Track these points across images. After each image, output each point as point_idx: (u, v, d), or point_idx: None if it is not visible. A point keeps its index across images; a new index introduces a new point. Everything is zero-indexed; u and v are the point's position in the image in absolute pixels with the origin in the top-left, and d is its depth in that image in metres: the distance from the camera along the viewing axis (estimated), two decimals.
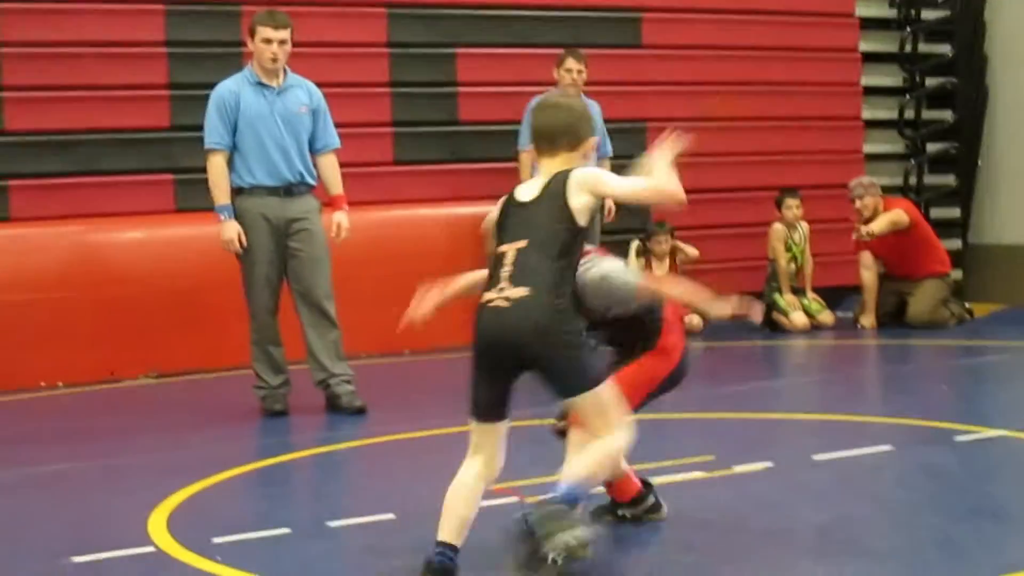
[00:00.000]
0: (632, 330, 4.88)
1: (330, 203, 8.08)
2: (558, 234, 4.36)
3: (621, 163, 10.61)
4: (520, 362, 4.35)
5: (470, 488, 4.43)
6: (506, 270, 4.32)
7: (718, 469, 5.92)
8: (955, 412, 7.59)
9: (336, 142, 8.12)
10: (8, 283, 9.35)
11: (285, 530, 5.21)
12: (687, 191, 13.16)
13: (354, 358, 10.12)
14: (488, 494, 5.62)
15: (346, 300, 10.26)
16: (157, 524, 5.37)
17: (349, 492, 6.24)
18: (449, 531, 4.25)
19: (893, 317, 11.30)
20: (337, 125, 10.69)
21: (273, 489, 6.14)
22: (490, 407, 4.40)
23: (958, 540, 4.79)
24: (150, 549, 5.01)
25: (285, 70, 7.90)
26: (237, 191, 7.79)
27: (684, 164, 12.72)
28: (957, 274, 12.73)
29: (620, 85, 11.61)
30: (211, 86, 8.10)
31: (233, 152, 7.78)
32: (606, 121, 10.51)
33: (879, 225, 10.98)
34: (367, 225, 10.50)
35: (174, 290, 9.72)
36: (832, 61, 13.06)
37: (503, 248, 4.40)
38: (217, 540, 5.06)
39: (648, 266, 11.36)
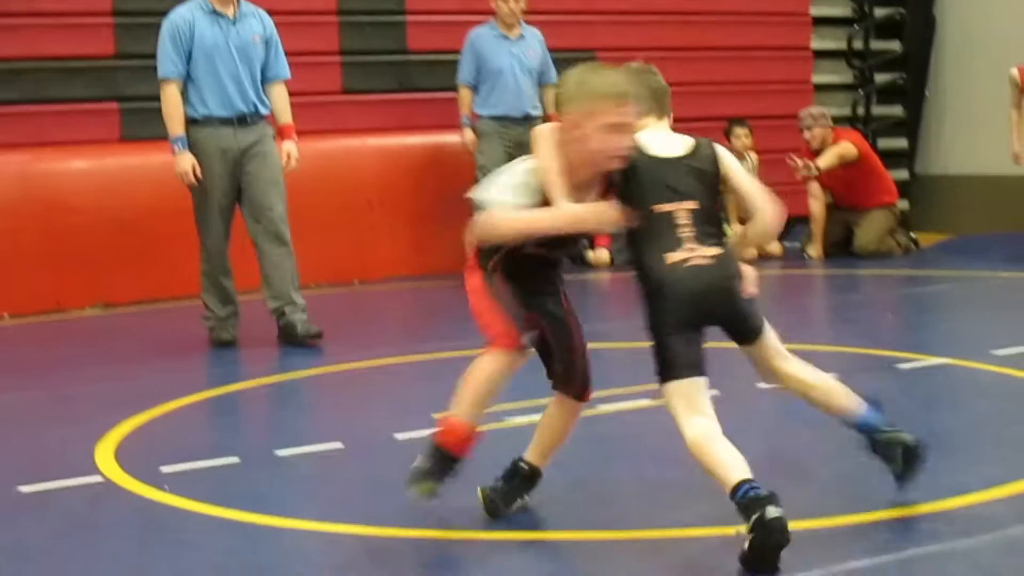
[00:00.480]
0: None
1: (280, 132, 7.95)
2: (715, 199, 4.36)
3: None
4: (720, 315, 4.33)
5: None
6: (686, 231, 4.26)
7: (662, 397, 5.94)
8: (899, 341, 7.66)
9: (287, 72, 7.98)
10: None
11: (234, 459, 5.22)
12: None
13: (304, 288, 10.15)
14: (434, 422, 5.67)
15: (295, 230, 10.24)
16: (105, 454, 5.36)
17: (298, 422, 6.24)
18: (745, 470, 4.12)
19: (840, 247, 11.37)
20: (286, 54, 10.67)
21: (222, 419, 6.14)
22: (701, 361, 4.35)
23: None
24: (98, 479, 5.01)
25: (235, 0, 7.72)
26: (191, 122, 7.62)
27: None
28: (904, 204, 12.80)
29: (569, 14, 11.56)
30: (157, 13, 8.00)
31: (186, 82, 7.62)
32: (554, 50, 10.49)
33: (826, 160, 11.00)
34: (315, 155, 10.42)
35: (121, 220, 9.61)
36: None
37: (667, 207, 4.30)
38: (165, 469, 5.05)
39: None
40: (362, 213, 10.63)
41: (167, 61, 7.57)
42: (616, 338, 8.15)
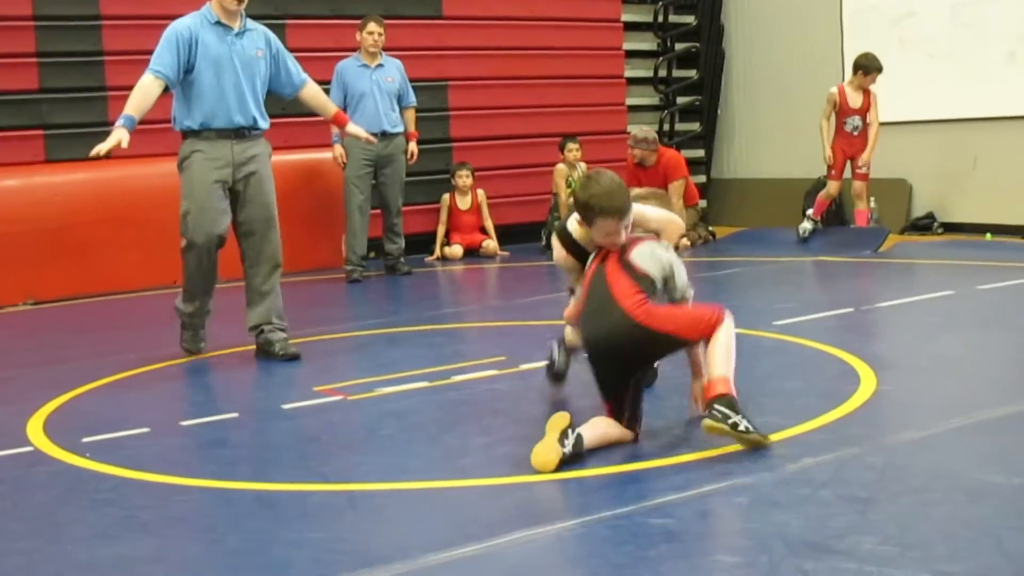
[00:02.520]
0: None
1: (336, 120, 7.35)
2: None
3: (424, 114, 10.64)
4: None
5: None
6: None
7: (508, 367, 5.99)
8: None
9: (306, 76, 7.00)
10: None
11: (145, 429, 5.15)
12: (486, 139, 13.15)
13: (226, 281, 10.02)
14: (316, 394, 5.66)
15: None
16: (35, 428, 5.26)
17: (200, 396, 6.18)
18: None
19: None
20: None
21: (135, 396, 6.04)
22: None
23: (698, 417, 4.93)
24: (29, 449, 4.92)
25: (242, 13, 6.67)
26: (190, 133, 6.60)
27: (485, 116, 12.82)
28: (703, 203, 13.01)
29: (425, 50, 11.55)
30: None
31: (188, 93, 6.55)
32: (412, 79, 10.48)
33: (678, 206, 11.25)
34: None
35: (46, 229, 9.44)
36: (600, 30, 13.18)
37: None
38: (87, 439, 4.98)
39: (452, 201, 11.39)
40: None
41: (161, 60, 6.48)
42: (468, 319, 8.21)
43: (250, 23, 6.76)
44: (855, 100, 10.49)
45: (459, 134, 12.01)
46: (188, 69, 6.50)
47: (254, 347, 6.79)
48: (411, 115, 10.45)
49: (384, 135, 10.11)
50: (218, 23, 6.58)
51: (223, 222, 6.65)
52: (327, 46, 11.07)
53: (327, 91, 10.09)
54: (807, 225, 10.76)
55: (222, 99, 6.55)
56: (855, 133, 10.52)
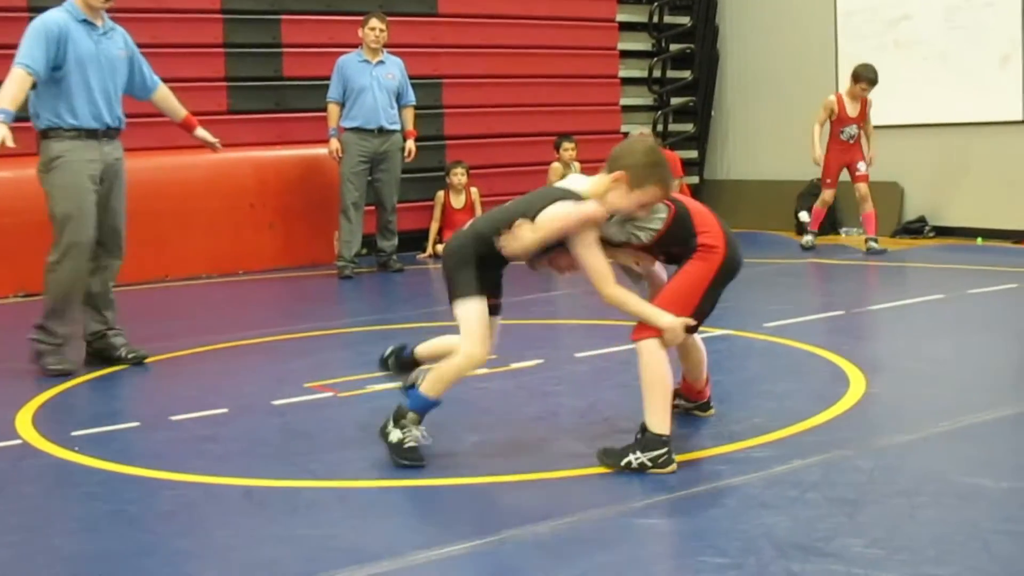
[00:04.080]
0: (672, 244, 4.58)
1: (186, 124, 7.05)
2: None
3: (418, 111, 10.64)
4: None
5: None
6: None
7: (499, 366, 5.98)
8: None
9: (159, 79, 6.86)
10: None
11: (135, 423, 5.14)
12: (480, 137, 13.15)
13: (196, 278, 10.03)
14: (306, 390, 5.66)
15: (188, 228, 10.15)
16: (24, 421, 5.24)
17: (190, 391, 6.15)
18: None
19: None
20: (179, 80, 10.47)
21: (125, 390, 6.03)
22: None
23: (689, 418, 4.94)
24: (17, 442, 4.90)
25: (102, 12, 6.42)
26: (58, 131, 6.29)
27: (480, 114, 12.80)
28: None
29: (420, 47, 11.54)
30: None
31: (56, 91, 6.26)
32: (409, 77, 10.47)
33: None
34: (205, 165, 10.34)
35: (38, 220, 9.31)
36: (596, 29, 13.17)
37: None
38: (76, 433, 4.97)
39: (447, 198, 11.39)
40: (245, 214, 10.52)
41: (30, 55, 6.14)
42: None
43: (111, 22, 6.54)
44: (852, 109, 10.51)
45: (453, 132, 12.00)
46: (56, 66, 6.24)
47: (242, 343, 6.78)
48: (410, 114, 10.43)
49: (381, 131, 10.10)
50: (84, 20, 6.34)
51: (94, 227, 6.45)
52: (322, 41, 11.08)
53: (327, 85, 10.15)
54: (809, 238, 10.73)
55: (91, 98, 6.35)
56: (851, 141, 10.53)
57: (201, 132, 7.09)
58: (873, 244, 10.37)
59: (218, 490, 4.18)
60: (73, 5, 6.33)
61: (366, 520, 3.84)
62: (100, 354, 6.55)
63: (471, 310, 4.36)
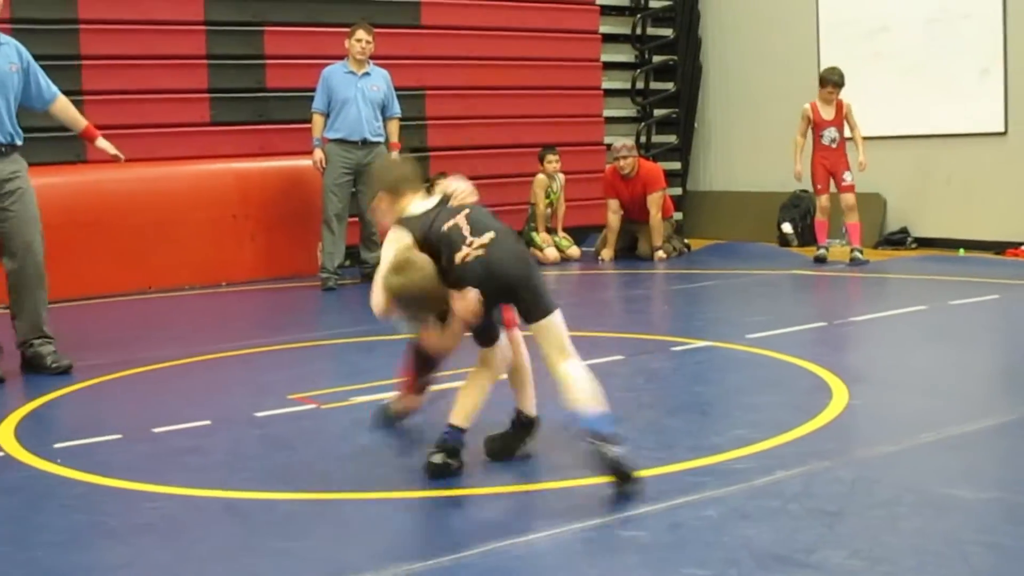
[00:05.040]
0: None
1: (86, 134, 6.99)
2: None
3: (404, 123, 10.64)
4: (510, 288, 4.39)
5: None
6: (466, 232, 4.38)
7: None
8: (672, 327, 7.80)
9: (56, 90, 6.81)
10: None
11: (117, 435, 5.12)
12: (463, 148, 13.11)
13: (179, 289, 10.01)
14: (289, 402, 5.65)
15: (171, 239, 10.14)
16: (5, 432, 5.22)
17: (172, 403, 6.13)
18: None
19: (627, 251, 11.56)
20: (161, 91, 10.50)
21: (106, 403, 6.01)
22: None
23: (670, 430, 4.95)
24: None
25: None
26: None
27: (463, 125, 12.79)
28: (678, 215, 13.04)
29: (403, 59, 11.54)
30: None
31: None
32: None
33: (656, 219, 11.30)
34: (187, 176, 10.35)
35: None
36: (578, 41, 13.20)
37: (447, 225, 4.41)
38: (58, 445, 4.95)
39: None
40: (227, 225, 10.50)
41: None
42: None
43: (2, 37, 6.54)
44: (827, 112, 10.58)
45: (436, 143, 12.01)
46: None
47: (224, 354, 6.77)
48: (395, 126, 10.43)
49: (365, 143, 10.09)
50: None
51: None
52: (304, 53, 11.07)
53: (310, 97, 10.15)
54: (821, 252, 10.71)
55: None
56: (833, 145, 10.57)
57: (102, 143, 7.04)
58: (858, 255, 10.40)
59: (199, 502, 4.17)
60: None
61: (348, 532, 3.84)
62: (30, 363, 6.62)
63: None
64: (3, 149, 6.46)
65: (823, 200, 10.68)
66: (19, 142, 6.57)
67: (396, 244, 4.38)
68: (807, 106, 10.67)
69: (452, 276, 4.28)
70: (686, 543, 3.58)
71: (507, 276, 4.27)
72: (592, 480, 4.22)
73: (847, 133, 10.61)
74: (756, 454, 4.48)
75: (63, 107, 6.88)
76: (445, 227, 4.35)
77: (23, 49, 6.62)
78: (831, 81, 10.54)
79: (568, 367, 4.33)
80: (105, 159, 7.02)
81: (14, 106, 6.53)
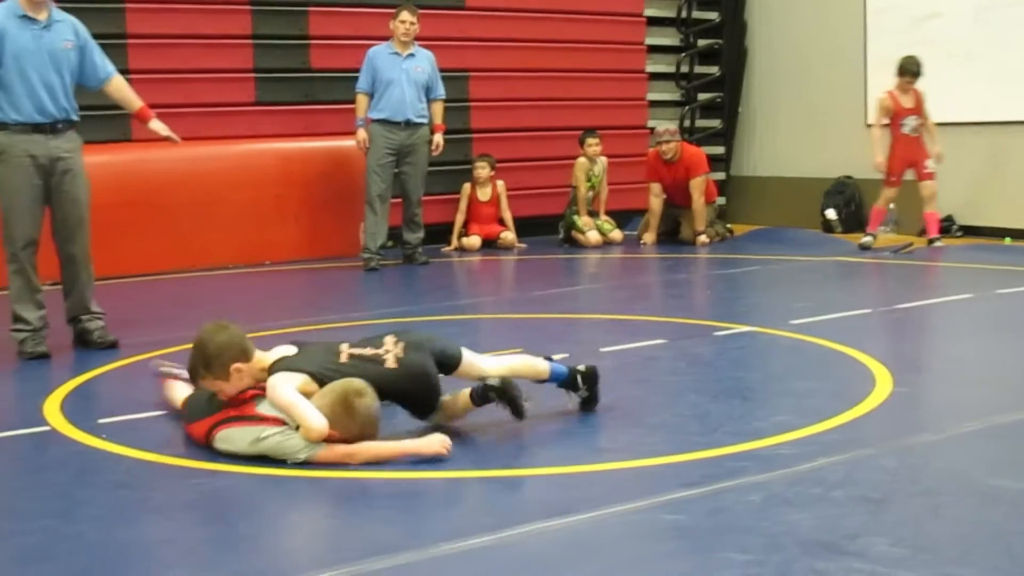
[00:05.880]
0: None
1: (140, 115, 7.00)
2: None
3: (448, 104, 10.65)
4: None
5: None
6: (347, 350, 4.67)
7: None
8: (715, 312, 7.77)
9: (112, 69, 6.84)
10: None
11: (161, 412, 5.16)
12: (506, 130, 13.06)
13: (222, 268, 10.07)
14: None
15: (214, 219, 10.20)
16: (52, 407, 5.28)
17: None
18: None
19: (669, 236, 11.53)
20: (207, 71, 10.56)
21: (151, 379, 6.05)
22: None
23: (713, 414, 4.93)
24: (45, 428, 4.94)
25: (49, 5, 6.48)
26: (3, 125, 6.40)
27: (505, 107, 12.78)
28: (721, 200, 12.99)
29: (447, 40, 11.54)
30: None
31: None
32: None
33: (702, 214, 11.28)
34: (232, 156, 10.40)
35: None
36: (623, 24, 13.14)
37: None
38: (103, 420, 5.00)
39: (472, 192, 11.40)
40: (271, 205, 10.56)
41: None
42: (485, 310, 8.22)
43: (58, 13, 6.56)
44: (907, 101, 10.49)
45: (479, 125, 12.00)
46: None
47: (268, 333, 6.79)
48: (438, 107, 10.44)
49: (408, 124, 10.11)
50: (24, 16, 6.39)
51: (40, 222, 6.56)
52: (349, 33, 11.09)
53: (355, 78, 10.18)
54: (867, 240, 10.65)
55: (32, 93, 6.39)
56: (914, 135, 10.47)
57: (156, 124, 7.02)
58: (938, 244, 10.41)
59: (242, 480, 4.20)
60: (14, 2, 6.40)
61: (389, 511, 3.86)
62: (79, 338, 6.78)
63: None
64: (59, 126, 6.51)
65: (891, 193, 10.58)
66: (75, 118, 6.62)
67: (294, 381, 4.46)
68: (884, 95, 10.57)
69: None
70: (728, 528, 3.58)
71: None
72: (633, 463, 4.23)
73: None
74: (799, 440, 4.47)
75: (118, 86, 6.91)
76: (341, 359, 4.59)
77: (80, 26, 6.67)
78: (910, 71, 10.43)
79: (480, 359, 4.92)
80: (154, 138, 7.06)
81: (70, 83, 6.58)
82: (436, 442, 4.31)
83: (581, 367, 4.98)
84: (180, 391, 5.07)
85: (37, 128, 6.42)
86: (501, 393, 4.65)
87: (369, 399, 4.38)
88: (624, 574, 3.27)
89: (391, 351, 4.62)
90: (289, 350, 4.65)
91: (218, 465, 4.33)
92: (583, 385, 4.96)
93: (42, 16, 6.44)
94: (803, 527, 3.53)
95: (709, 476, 4.03)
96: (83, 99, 6.86)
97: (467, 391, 4.75)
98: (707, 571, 3.25)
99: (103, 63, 6.79)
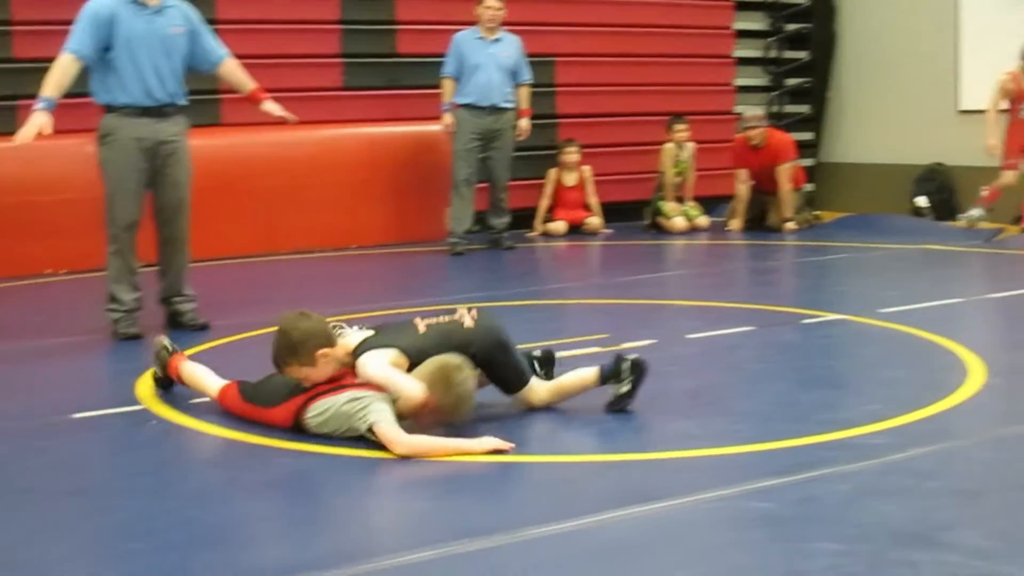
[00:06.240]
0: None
1: (253, 97, 7.02)
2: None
3: (533, 89, 10.64)
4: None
5: None
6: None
7: (610, 345, 5.97)
8: (803, 300, 7.71)
9: (224, 52, 6.90)
10: None
11: None
12: (592, 116, 13.00)
13: (308, 252, 10.17)
14: None
15: (301, 203, 10.29)
16: (145, 387, 5.36)
17: None
18: None
19: (756, 222, 11.43)
20: (294, 56, 10.62)
21: (243, 358, 6.12)
22: None
23: (802, 403, 4.90)
24: (138, 407, 5.02)
25: None
26: (109, 108, 6.51)
27: (592, 92, 12.72)
28: (809, 186, 12.85)
29: (533, 26, 11.51)
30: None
31: (107, 70, 6.45)
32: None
33: (790, 201, 11.18)
34: (319, 140, 10.47)
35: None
36: (710, 8, 13.02)
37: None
38: (194, 400, 5.06)
39: (558, 176, 11.38)
40: (357, 189, 10.63)
41: (77, 38, 6.38)
42: (571, 295, 8.22)
43: (170, 0, 6.63)
44: None
45: (565, 110, 11.98)
46: (106, 47, 6.41)
47: (360, 315, 6.83)
48: (525, 92, 10.44)
49: (494, 109, 10.12)
50: (136, 2, 6.45)
51: (142, 204, 6.65)
52: (436, 19, 11.11)
53: (441, 63, 10.21)
54: (975, 213, 10.47)
55: (141, 77, 6.46)
56: None
57: (269, 105, 7.07)
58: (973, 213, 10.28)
59: (334, 460, 4.24)
60: None
61: (479, 494, 3.89)
62: (171, 319, 6.87)
63: None
64: (166, 110, 6.59)
65: (1009, 176, 10.40)
66: (183, 103, 6.71)
67: (386, 357, 4.51)
68: (1007, 76, 10.37)
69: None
70: (817, 517, 3.55)
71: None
72: (722, 450, 4.21)
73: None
74: (890, 430, 4.42)
75: (231, 69, 6.96)
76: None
77: (191, 11, 6.74)
78: None
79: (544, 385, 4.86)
80: (243, 122, 7.13)
81: (180, 68, 6.65)
82: (488, 444, 4.25)
83: (630, 356, 4.77)
84: (210, 379, 5.00)
85: (144, 111, 6.51)
86: (636, 369, 4.68)
87: (467, 374, 4.42)
88: (712, 561, 3.26)
89: (465, 315, 4.70)
90: (367, 333, 4.69)
91: (307, 445, 4.38)
92: (629, 376, 4.72)
93: (154, 2, 6.52)
94: (894, 518, 3.50)
95: (798, 465, 4.00)
96: None
97: (589, 370, 4.80)
98: (796, 560, 3.23)
99: (215, 47, 6.86)
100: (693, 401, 4.97)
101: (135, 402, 5.10)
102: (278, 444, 4.42)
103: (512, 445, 4.25)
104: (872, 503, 3.63)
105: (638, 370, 4.70)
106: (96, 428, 4.78)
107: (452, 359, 4.44)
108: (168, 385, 5.21)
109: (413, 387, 4.33)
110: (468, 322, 4.66)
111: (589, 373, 4.81)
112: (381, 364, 4.45)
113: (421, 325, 4.65)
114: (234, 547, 3.47)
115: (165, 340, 5.26)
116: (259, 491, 3.97)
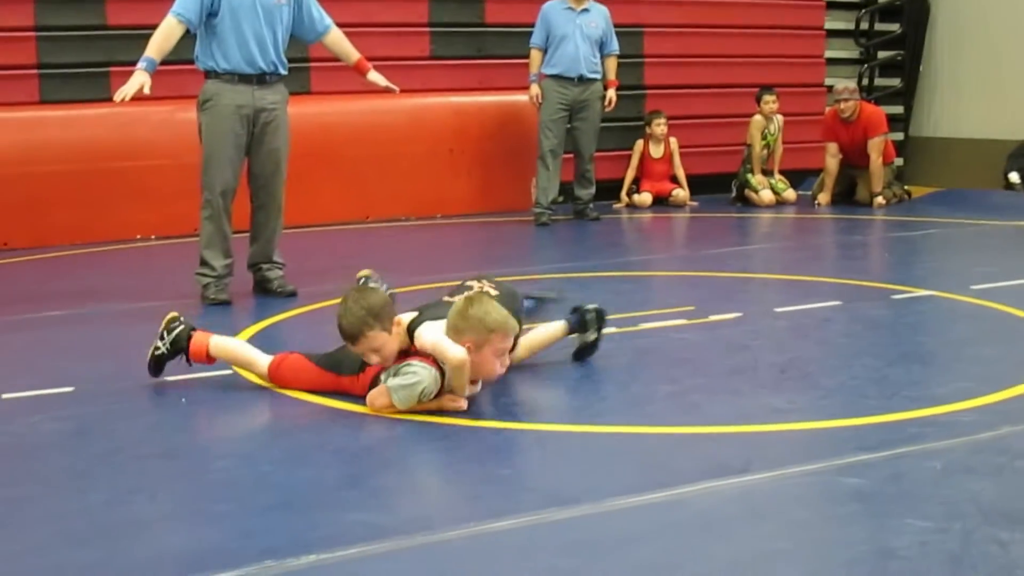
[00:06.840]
0: None
1: (358, 67, 7.13)
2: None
3: (621, 60, 10.58)
4: None
5: None
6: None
7: (697, 317, 5.96)
8: (893, 275, 7.60)
9: (330, 22, 7.00)
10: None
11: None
12: (680, 87, 12.90)
13: (395, 220, 10.23)
14: None
15: (389, 171, 10.36)
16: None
17: None
18: None
19: (845, 196, 11.29)
20: (381, 25, 10.65)
21: (327, 327, 6.19)
22: None
23: (891, 379, 4.84)
24: (228, 372, 5.06)
25: None
26: (212, 74, 6.63)
27: (680, 63, 12.62)
28: (899, 161, 12.67)
29: None
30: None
31: (211, 36, 6.56)
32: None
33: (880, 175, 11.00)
34: (407, 110, 10.51)
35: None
36: None
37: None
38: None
39: (645, 148, 11.32)
40: (444, 159, 10.67)
41: (183, 3, 6.47)
42: (656, 267, 8.19)
43: None
44: None
45: (653, 81, 11.91)
46: (212, 13, 6.51)
47: (427, 287, 6.87)
48: (612, 63, 10.39)
49: (581, 80, 10.09)
50: None
51: (238, 170, 6.73)
52: None
53: (528, 32, 10.19)
54: None
55: (244, 45, 6.55)
56: None
57: (374, 76, 7.14)
58: None
59: (420, 428, 4.26)
60: None
61: (563, 463, 3.89)
62: (259, 285, 6.98)
63: None
64: (267, 78, 6.68)
65: None
66: (283, 72, 6.78)
67: (440, 327, 4.53)
68: None
69: None
70: (908, 494, 3.51)
71: None
72: (811, 424, 4.18)
73: None
74: (981, 408, 4.35)
75: (336, 39, 7.05)
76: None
77: None
78: None
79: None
80: (332, 91, 7.17)
81: (281, 37, 6.73)
82: (447, 402, 4.41)
83: (590, 305, 5.12)
84: (254, 352, 4.94)
85: (245, 79, 6.60)
86: (600, 319, 5.09)
87: (477, 304, 4.47)
88: (801, 535, 3.24)
89: (487, 285, 4.86)
90: (411, 315, 4.69)
91: (392, 413, 4.40)
92: (595, 325, 5.10)
93: None
94: (985, 496, 3.44)
95: (888, 441, 3.96)
96: None
97: (556, 323, 5.12)
98: (886, 536, 3.20)
99: (320, 16, 6.95)
100: (780, 375, 4.93)
101: (225, 367, 5.15)
102: (365, 411, 4.46)
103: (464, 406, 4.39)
104: (962, 481, 3.58)
105: (601, 320, 5.08)
106: (184, 392, 4.84)
107: (459, 302, 4.52)
108: (162, 367, 4.95)
109: (456, 349, 4.38)
110: (492, 291, 4.76)
111: (557, 326, 5.11)
112: (436, 331, 4.49)
113: (451, 301, 4.66)
114: (321, 510, 3.50)
115: (181, 317, 5.06)
116: (347, 456, 4.00)
